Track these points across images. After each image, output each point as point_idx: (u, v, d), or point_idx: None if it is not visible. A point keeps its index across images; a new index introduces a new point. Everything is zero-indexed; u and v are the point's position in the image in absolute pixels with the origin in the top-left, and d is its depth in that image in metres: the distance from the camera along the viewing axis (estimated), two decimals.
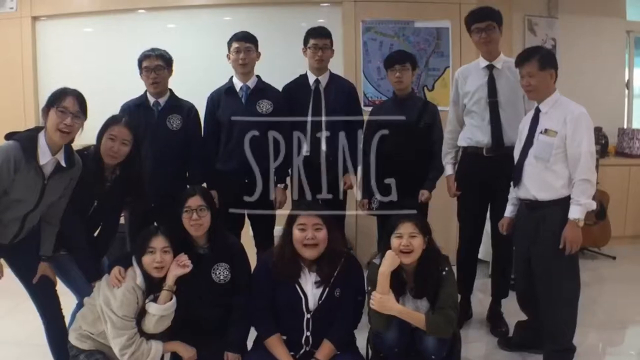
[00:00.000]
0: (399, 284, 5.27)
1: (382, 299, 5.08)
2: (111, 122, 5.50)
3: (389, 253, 5.14)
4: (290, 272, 5.28)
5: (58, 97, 5.02)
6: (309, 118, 6.88)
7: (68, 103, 4.99)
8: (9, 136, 4.96)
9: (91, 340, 5.13)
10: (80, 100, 5.10)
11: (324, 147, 6.79)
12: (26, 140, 4.95)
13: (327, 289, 5.29)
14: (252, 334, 5.73)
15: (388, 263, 5.11)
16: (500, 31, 6.61)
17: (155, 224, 5.36)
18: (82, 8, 9.25)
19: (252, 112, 6.72)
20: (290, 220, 5.37)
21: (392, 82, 6.88)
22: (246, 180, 6.57)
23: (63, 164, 5.12)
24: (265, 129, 6.50)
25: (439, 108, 6.74)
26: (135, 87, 6.80)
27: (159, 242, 5.13)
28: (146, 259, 5.11)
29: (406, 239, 5.14)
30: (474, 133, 6.64)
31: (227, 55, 6.85)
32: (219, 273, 5.47)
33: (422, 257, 5.22)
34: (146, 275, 5.15)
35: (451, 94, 6.97)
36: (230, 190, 6.64)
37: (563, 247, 5.44)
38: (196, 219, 5.32)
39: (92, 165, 5.41)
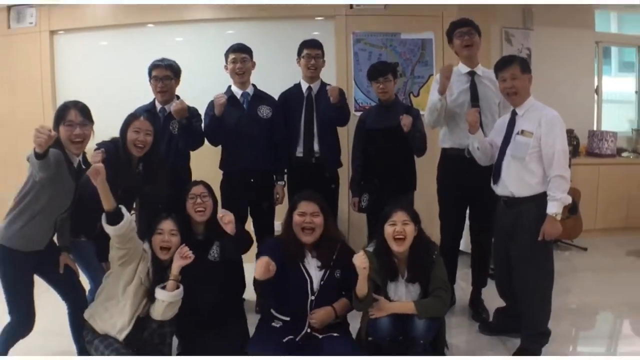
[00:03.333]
0: (391, 270, 5.41)
1: (380, 307, 5.24)
2: (132, 118, 5.76)
3: (357, 257, 5.12)
4: (296, 250, 5.49)
5: (62, 114, 5.21)
6: (302, 122, 6.97)
7: (72, 116, 5.17)
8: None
9: (99, 317, 5.29)
10: (82, 109, 5.26)
11: (316, 148, 6.88)
12: (61, 149, 5.08)
13: (328, 271, 5.51)
14: (254, 320, 5.88)
15: (362, 272, 5.10)
16: (479, 39, 6.68)
17: (163, 213, 5.54)
18: (97, 22, 9.25)
19: (254, 116, 6.86)
20: (292, 208, 5.64)
21: (377, 93, 6.94)
22: (252, 180, 6.83)
23: (83, 165, 5.34)
24: (266, 132, 6.83)
25: (422, 112, 6.73)
26: (147, 94, 6.85)
27: (167, 225, 5.38)
28: (155, 239, 5.38)
29: (400, 226, 5.28)
30: (457, 135, 6.65)
31: (225, 66, 6.93)
32: (213, 252, 5.81)
33: (414, 243, 5.36)
34: (154, 261, 5.35)
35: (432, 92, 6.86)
36: (236, 189, 6.78)
37: (542, 239, 5.52)
38: (200, 203, 5.70)
39: (121, 158, 5.57)
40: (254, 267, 5.19)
